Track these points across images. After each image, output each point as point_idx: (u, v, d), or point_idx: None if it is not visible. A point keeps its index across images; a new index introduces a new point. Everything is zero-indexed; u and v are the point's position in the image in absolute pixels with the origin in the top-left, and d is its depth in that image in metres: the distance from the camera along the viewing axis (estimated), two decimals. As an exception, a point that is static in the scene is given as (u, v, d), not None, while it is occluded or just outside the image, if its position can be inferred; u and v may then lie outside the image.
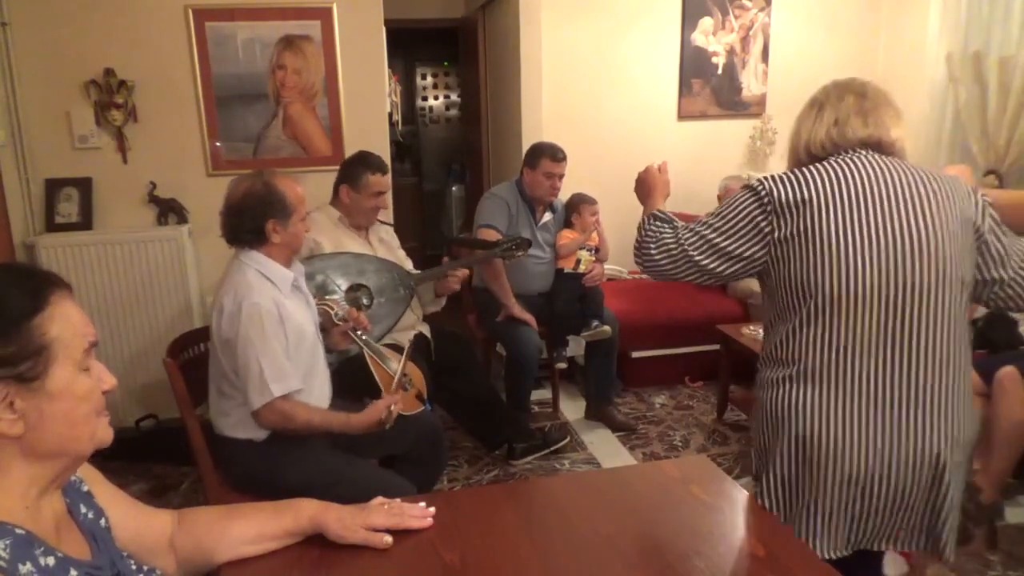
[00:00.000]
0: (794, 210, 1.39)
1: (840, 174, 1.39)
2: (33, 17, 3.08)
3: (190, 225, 3.36)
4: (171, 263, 3.27)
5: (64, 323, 0.89)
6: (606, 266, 3.53)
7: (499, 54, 4.50)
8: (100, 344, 3.20)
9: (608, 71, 4.35)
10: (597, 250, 3.40)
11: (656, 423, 3.48)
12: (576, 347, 3.65)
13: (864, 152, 1.44)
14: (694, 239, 1.49)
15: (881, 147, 1.45)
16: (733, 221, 1.45)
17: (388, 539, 1.19)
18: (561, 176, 3.28)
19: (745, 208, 1.44)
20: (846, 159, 1.43)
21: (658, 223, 1.59)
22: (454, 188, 6.72)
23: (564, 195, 3.45)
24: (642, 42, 4.36)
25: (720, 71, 4.48)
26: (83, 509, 1.00)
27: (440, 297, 2.91)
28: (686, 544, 1.21)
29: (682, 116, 4.51)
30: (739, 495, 1.37)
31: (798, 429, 1.41)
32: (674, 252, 1.50)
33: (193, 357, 2.14)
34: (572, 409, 3.64)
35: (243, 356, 1.85)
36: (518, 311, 3.21)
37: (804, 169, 1.43)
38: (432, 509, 1.27)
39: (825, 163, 1.44)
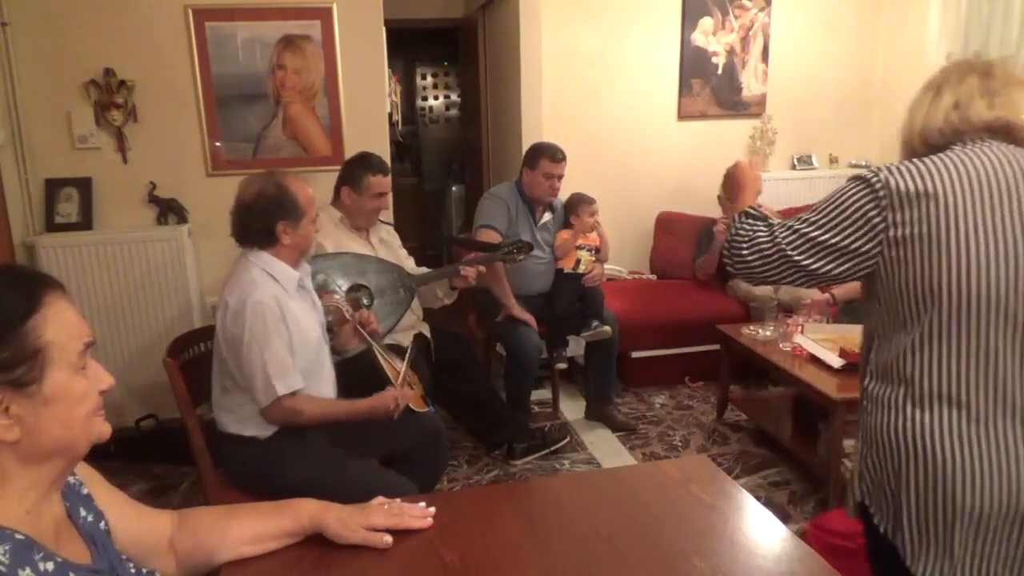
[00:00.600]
0: (915, 204, 1.22)
1: (967, 166, 1.23)
2: (33, 17, 3.08)
3: (190, 225, 3.35)
4: (171, 263, 3.27)
5: (59, 325, 0.88)
6: (606, 266, 3.53)
7: (499, 54, 4.50)
8: (100, 344, 3.22)
9: (608, 71, 4.35)
10: (597, 250, 3.40)
11: (656, 423, 3.48)
12: (576, 347, 3.65)
13: (991, 142, 1.27)
14: (792, 236, 1.33)
15: (1010, 132, 1.28)
16: (839, 214, 1.29)
17: (388, 539, 1.19)
18: (560, 177, 3.28)
19: (854, 199, 1.28)
20: (972, 149, 1.26)
21: (750, 220, 1.44)
22: (454, 188, 6.72)
23: (564, 195, 3.45)
24: (642, 42, 4.36)
25: (720, 71, 4.48)
26: (83, 512, 0.99)
27: (455, 290, 2.90)
28: (686, 544, 1.21)
29: (682, 116, 4.51)
30: (739, 495, 1.37)
31: (929, 459, 1.24)
32: (768, 252, 1.36)
33: (193, 357, 2.14)
34: (572, 409, 3.64)
35: (247, 354, 1.86)
36: (518, 311, 3.21)
37: (924, 159, 1.26)
38: (432, 509, 1.27)
39: (947, 153, 1.27)
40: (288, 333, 1.90)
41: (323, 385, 2.05)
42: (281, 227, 1.91)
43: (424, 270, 2.85)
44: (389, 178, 2.74)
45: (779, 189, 4.54)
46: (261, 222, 1.91)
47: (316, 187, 2.76)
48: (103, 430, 0.94)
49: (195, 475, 2.83)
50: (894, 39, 4.57)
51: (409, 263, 2.88)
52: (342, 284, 2.52)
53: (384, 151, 3.37)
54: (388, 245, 2.85)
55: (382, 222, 2.87)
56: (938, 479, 1.23)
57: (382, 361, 2.21)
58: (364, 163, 2.70)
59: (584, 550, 1.20)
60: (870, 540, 1.40)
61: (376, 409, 1.99)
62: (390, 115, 4.94)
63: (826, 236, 1.30)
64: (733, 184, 1.59)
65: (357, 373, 2.27)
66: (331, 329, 2.15)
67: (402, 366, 2.24)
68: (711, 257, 3.89)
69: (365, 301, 2.55)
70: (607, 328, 3.29)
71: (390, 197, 2.86)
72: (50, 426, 0.87)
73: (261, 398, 1.88)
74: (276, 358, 1.86)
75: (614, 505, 1.36)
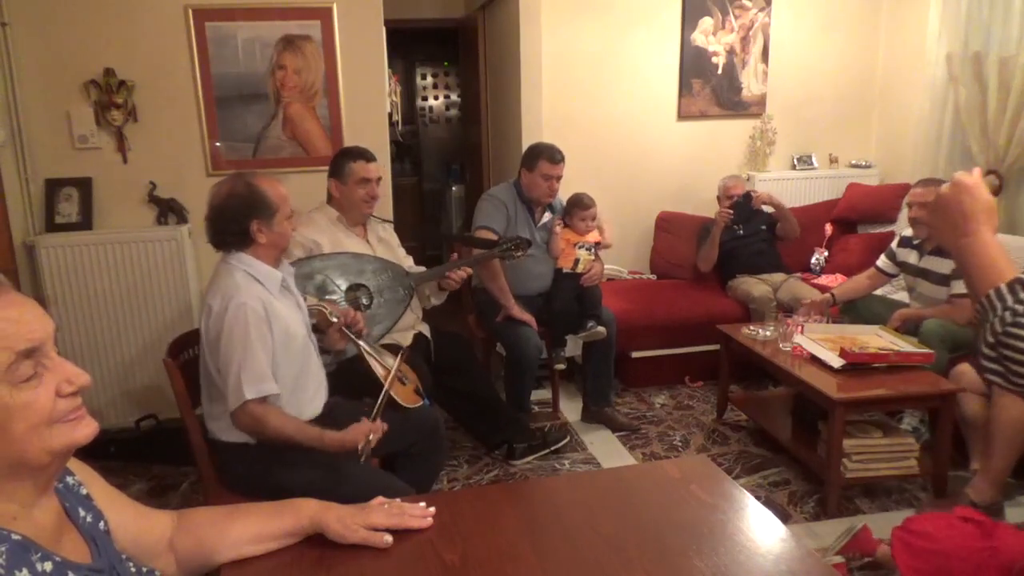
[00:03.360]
0: None
1: None
2: (33, 17, 3.08)
3: (190, 225, 3.35)
4: (171, 263, 3.27)
5: None
6: (606, 266, 3.52)
7: (499, 54, 4.50)
8: (101, 344, 3.22)
9: (608, 71, 4.35)
10: (598, 245, 3.39)
11: (656, 423, 3.48)
12: (575, 347, 3.64)
13: None
14: None
15: None
16: None
17: (388, 539, 1.19)
18: (559, 177, 3.27)
19: None
20: None
21: None
22: (454, 188, 6.73)
23: (564, 194, 3.45)
24: (642, 42, 4.36)
25: (720, 71, 4.48)
26: (82, 513, 0.99)
27: (443, 291, 2.89)
28: (686, 544, 1.21)
29: (682, 116, 4.51)
30: (739, 495, 1.37)
31: None
32: None
33: (193, 357, 2.13)
34: (572, 409, 3.63)
35: (224, 356, 1.84)
36: (517, 311, 3.20)
37: None
38: (432, 509, 1.27)
39: None
40: (271, 337, 1.88)
41: (310, 386, 2.05)
42: (255, 226, 1.90)
43: (421, 269, 2.85)
44: (375, 164, 2.70)
45: (779, 189, 4.54)
46: (235, 223, 1.90)
47: (317, 187, 2.79)
48: (70, 437, 0.86)
49: (195, 475, 2.84)
50: (894, 39, 4.57)
51: (408, 262, 2.88)
52: (341, 284, 2.51)
53: (384, 151, 3.37)
54: (386, 244, 2.84)
55: (381, 219, 2.87)
56: None
57: (370, 361, 2.20)
58: (346, 153, 2.71)
59: (584, 550, 1.20)
60: None
61: (344, 445, 1.87)
62: (390, 115, 4.94)
63: None
64: (950, 212, 0.96)
65: (354, 374, 2.27)
66: (321, 329, 2.14)
67: (393, 363, 2.23)
68: (710, 247, 3.89)
69: (364, 301, 2.55)
70: (601, 329, 3.28)
71: (386, 186, 2.84)
72: None
73: (231, 400, 1.84)
74: (251, 363, 1.82)
75: (614, 505, 1.35)
